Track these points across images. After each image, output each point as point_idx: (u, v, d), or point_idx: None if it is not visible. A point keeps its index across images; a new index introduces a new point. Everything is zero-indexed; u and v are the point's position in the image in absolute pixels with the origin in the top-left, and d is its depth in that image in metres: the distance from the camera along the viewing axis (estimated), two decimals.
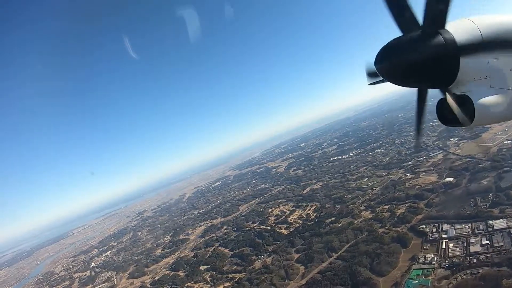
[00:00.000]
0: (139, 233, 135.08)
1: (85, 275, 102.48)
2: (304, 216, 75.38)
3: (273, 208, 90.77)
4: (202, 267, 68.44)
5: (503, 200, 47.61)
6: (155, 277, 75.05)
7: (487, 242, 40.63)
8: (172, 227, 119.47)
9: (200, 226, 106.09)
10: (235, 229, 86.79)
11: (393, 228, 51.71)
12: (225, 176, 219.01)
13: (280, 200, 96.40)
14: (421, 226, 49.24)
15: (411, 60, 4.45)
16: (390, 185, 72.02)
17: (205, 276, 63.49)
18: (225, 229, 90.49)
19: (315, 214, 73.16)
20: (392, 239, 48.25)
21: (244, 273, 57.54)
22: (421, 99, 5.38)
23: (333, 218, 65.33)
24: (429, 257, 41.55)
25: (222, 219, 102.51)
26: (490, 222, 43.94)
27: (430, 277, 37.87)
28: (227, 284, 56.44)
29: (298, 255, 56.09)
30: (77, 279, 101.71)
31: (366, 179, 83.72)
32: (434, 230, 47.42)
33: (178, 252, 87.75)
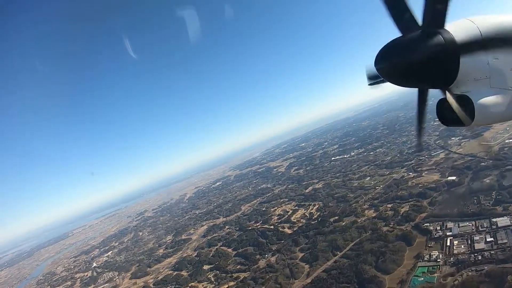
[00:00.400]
0: (141, 233, 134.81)
1: (87, 275, 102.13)
2: (307, 215, 75.53)
3: (276, 208, 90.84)
4: (205, 267, 68.38)
5: (506, 198, 47.93)
6: (158, 277, 74.93)
7: (492, 239, 40.96)
8: (174, 227, 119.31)
9: (202, 226, 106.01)
10: (237, 228, 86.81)
11: (397, 227, 51.97)
12: (225, 176, 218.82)
13: (282, 200, 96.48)
14: (425, 224, 49.54)
15: (411, 60, 4.45)
16: (392, 184, 72.31)
17: (209, 276, 63.47)
18: (227, 228, 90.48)
19: (318, 213, 73.33)
20: (397, 237, 48.51)
21: (248, 272, 57.59)
22: (422, 99, 5.38)
23: (336, 217, 65.52)
24: (434, 254, 41.83)
25: (224, 219, 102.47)
26: (494, 219, 44.29)
27: (435, 274, 38.16)
28: (231, 283, 56.43)
29: (303, 254, 56.21)
30: (79, 279, 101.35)
31: (369, 178, 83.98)
32: (438, 228, 47.72)
33: (181, 252, 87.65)
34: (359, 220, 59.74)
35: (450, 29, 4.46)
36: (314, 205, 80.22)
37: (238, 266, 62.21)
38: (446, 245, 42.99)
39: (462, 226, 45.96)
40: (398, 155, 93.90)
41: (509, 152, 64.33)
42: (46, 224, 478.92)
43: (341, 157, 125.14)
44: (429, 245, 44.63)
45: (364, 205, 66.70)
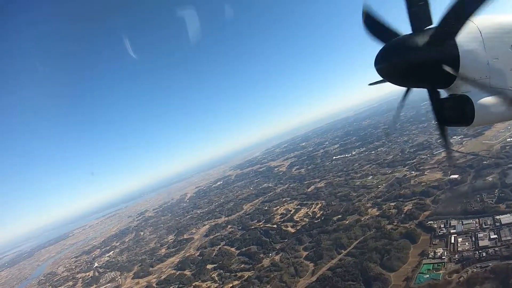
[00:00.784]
0: (142, 233, 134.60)
1: (89, 275, 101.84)
2: (310, 214, 75.70)
3: (278, 207, 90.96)
4: (209, 266, 68.38)
5: (509, 196, 48.34)
6: (161, 276, 74.82)
7: (495, 236, 41.33)
8: (175, 227, 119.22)
9: (204, 225, 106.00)
10: (240, 228, 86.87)
11: (401, 225, 52.24)
12: (226, 175, 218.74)
13: (284, 199, 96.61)
14: (429, 222, 49.83)
15: (411, 61, 4.46)
16: (395, 182, 72.60)
17: (212, 275, 63.43)
18: (230, 228, 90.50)
19: (321, 212, 73.52)
20: (401, 235, 48.77)
21: (252, 271, 57.62)
22: (435, 99, 5.22)
23: (339, 216, 65.73)
24: (439, 252, 42.13)
25: (226, 218, 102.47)
26: (497, 217, 44.70)
27: (441, 271, 38.43)
28: (235, 282, 56.41)
29: (307, 252, 56.38)
30: (80, 279, 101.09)
31: (371, 177, 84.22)
32: (442, 225, 47.99)
33: (183, 251, 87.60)
34: (362, 219, 59.97)
35: None
36: (316, 204, 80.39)
37: (242, 265, 62.24)
38: (451, 243, 43.32)
39: (466, 224, 46.28)
40: (400, 154, 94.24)
41: (510, 150, 64.74)
42: (46, 224, 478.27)
43: (342, 156, 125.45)
44: (434, 242, 44.93)
45: (367, 203, 66.94)
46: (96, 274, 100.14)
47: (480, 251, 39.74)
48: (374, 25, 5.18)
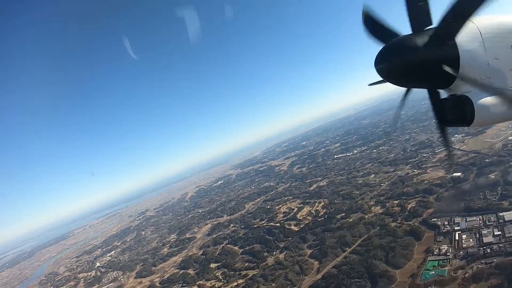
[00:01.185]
0: (143, 233, 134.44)
1: (91, 275, 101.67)
2: (313, 212, 75.90)
3: (280, 206, 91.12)
4: (212, 265, 68.40)
5: (511, 193, 48.71)
6: (164, 276, 74.79)
7: (499, 232, 41.77)
8: (177, 226, 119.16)
9: (206, 224, 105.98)
10: (243, 226, 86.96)
11: (405, 222, 52.54)
12: (226, 175, 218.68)
13: (286, 198, 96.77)
14: (432, 220, 50.15)
15: (411, 61, 4.46)
16: (398, 180, 72.90)
17: (216, 274, 63.49)
18: (232, 227, 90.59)
19: (324, 210, 73.72)
20: (405, 232, 49.08)
21: (257, 270, 57.75)
22: (434, 99, 5.27)
23: (343, 214, 66.00)
24: (444, 248, 42.45)
25: (229, 217, 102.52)
26: (501, 213, 45.14)
27: (446, 268, 38.77)
28: (240, 281, 56.48)
29: (311, 250, 56.57)
30: (82, 279, 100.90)
31: (373, 175, 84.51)
32: (446, 223, 48.36)
33: (186, 250, 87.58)
34: (366, 217, 60.25)
35: None
36: (319, 203, 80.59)
37: (246, 264, 62.33)
38: (455, 239, 43.67)
39: (470, 221, 46.67)
40: (402, 152, 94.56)
41: None
42: (46, 224, 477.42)
43: (343, 155, 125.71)
44: (438, 239, 45.28)
45: (371, 201, 67.21)
46: (98, 273, 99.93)
47: (485, 247, 40.16)
48: (374, 26, 5.18)
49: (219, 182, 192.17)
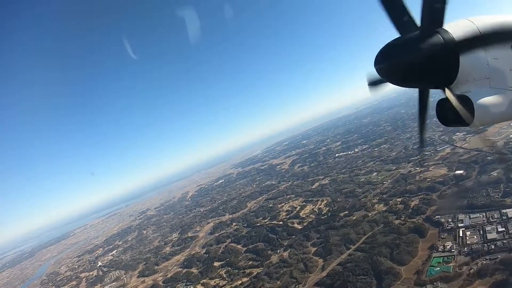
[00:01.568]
0: (145, 232, 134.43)
1: (92, 274, 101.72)
2: (316, 210, 76.15)
3: (283, 204, 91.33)
4: (216, 264, 68.52)
5: None
6: (167, 274, 74.84)
7: (503, 229, 42.16)
8: (179, 225, 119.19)
9: (208, 223, 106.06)
10: (245, 225, 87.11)
11: (409, 220, 52.84)
12: (227, 174, 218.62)
13: (289, 196, 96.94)
14: (436, 217, 50.50)
15: (411, 60, 4.46)
16: (400, 178, 73.14)
17: (220, 272, 63.59)
18: (235, 225, 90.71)
19: (328, 208, 73.97)
20: (409, 229, 49.36)
21: (261, 268, 57.91)
22: (423, 99, 5.41)
23: (346, 212, 66.26)
24: (448, 245, 42.82)
25: (231, 216, 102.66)
26: (504, 210, 45.51)
27: (451, 264, 39.12)
28: (244, 279, 56.60)
29: (315, 248, 56.80)
30: (84, 278, 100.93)
31: (375, 173, 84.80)
32: (449, 220, 48.70)
33: (188, 249, 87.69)
34: (369, 214, 60.51)
35: (450, 29, 4.49)
36: (322, 201, 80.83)
37: (250, 262, 62.44)
38: (459, 236, 44.02)
39: (473, 218, 47.03)
40: (403, 150, 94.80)
41: None
42: (46, 224, 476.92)
43: (345, 153, 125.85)
44: (442, 236, 45.61)
45: (374, 199, 67.48)
46: (100, 273, 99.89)
47: (489, 243, 40.54)
48: (392, 5, 4.85)
49: (220, 181, 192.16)
